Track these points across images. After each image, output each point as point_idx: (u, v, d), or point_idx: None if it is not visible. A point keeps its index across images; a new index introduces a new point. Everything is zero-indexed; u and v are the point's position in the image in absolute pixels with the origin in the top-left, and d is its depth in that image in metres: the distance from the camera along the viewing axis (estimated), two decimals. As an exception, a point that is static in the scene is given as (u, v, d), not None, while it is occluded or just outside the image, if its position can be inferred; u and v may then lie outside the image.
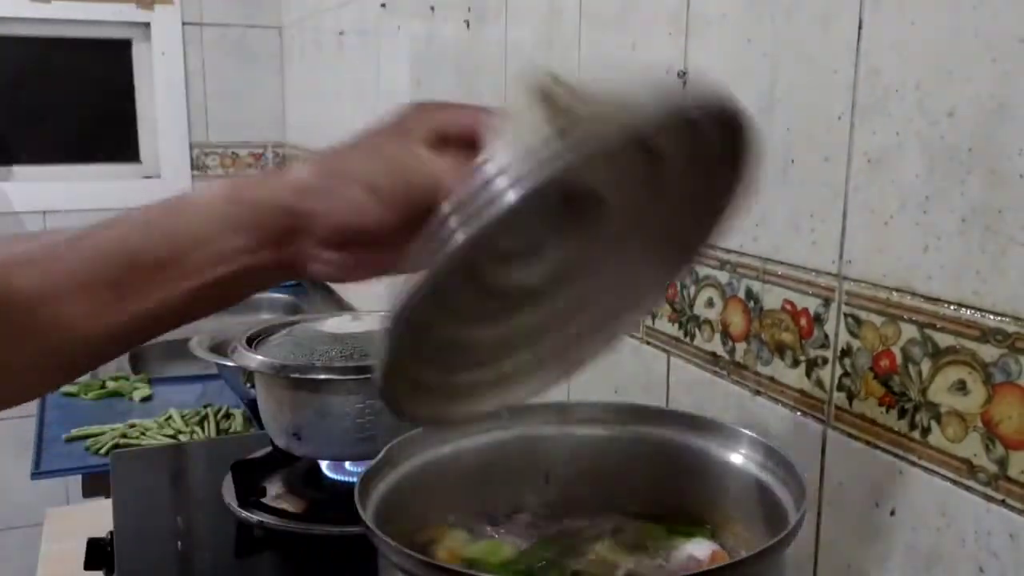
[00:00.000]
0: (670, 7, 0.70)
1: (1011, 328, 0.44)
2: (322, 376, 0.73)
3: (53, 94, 2.22)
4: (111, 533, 0.77)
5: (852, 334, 0.54)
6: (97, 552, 0.75)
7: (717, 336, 0.67)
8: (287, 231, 0.40)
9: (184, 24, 2.21)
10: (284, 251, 0.40)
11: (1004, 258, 0.45)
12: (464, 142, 0.40)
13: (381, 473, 0.49)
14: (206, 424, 1.29)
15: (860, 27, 0.52)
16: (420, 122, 0.41)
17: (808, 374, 0.58)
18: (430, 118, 0.41)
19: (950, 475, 0.48)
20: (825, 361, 0.56)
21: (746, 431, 0.52)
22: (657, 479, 0.55)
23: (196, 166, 2.28)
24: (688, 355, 0.71)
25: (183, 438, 1.25)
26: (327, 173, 0.40)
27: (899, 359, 0.51)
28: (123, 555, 0.73)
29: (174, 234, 0.40)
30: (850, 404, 0.55)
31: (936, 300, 0.49)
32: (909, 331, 0.50)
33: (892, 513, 0.52)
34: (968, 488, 0.47)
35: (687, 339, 0.71)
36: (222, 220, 0.40)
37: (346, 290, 1.79)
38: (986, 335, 0.46)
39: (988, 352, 0.46)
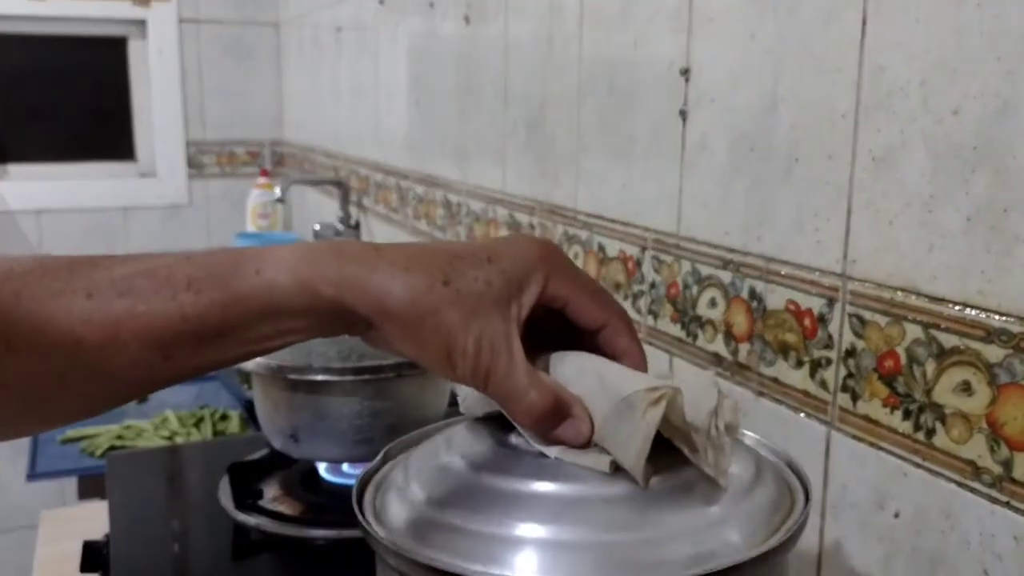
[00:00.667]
0: (672, 3, 0.69)
1: (1016, 328, 0.44)
2: (320, 377, 0.72)
3: (48, 92, 2.21)
4: (107, 536, 0.76)
5: (856, 335, 0.54)
6: (93, 555, 0.75)
7: (720, 337, 0.67)
8: (358, 329, 0.38)
9: (180, 21, 2.20)
10: (347, 332, 0.39)
11: (1009, 258, 0.44)
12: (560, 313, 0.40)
13: (379, 475, 0.48)
14: (202, 426, 1.29)
15: (864, 24, 0.52)
16: (534, 290, 0.38)
17: (812, 375, 0.58)
18: (555, 294, 0.39)
19: (955, 477, 0.48)
20: (829, 362, 0.56)
21: (749, 433, 0.52)
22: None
23: (192, 164, 2.28)
24: (691, 356, 0.71)
25: (179, 440, 1.24)
26: (420, 310, 0.36)
27: (903, 360, 0.50)
28: (119, 558, 0.73)
29: (232, 304, 0.36)
30: (854, 405, 0.54)
31: (941, 300, 0.48)
32: (914, 331, 0.50)
33: (896, 515, 0.52)
34: (973, 490, 0.47)
35: (690, 339, 0.71)
36: (292, 303, 0.36)
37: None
38: (991, 335, 0.45)
39: (993, 353, 0.45)
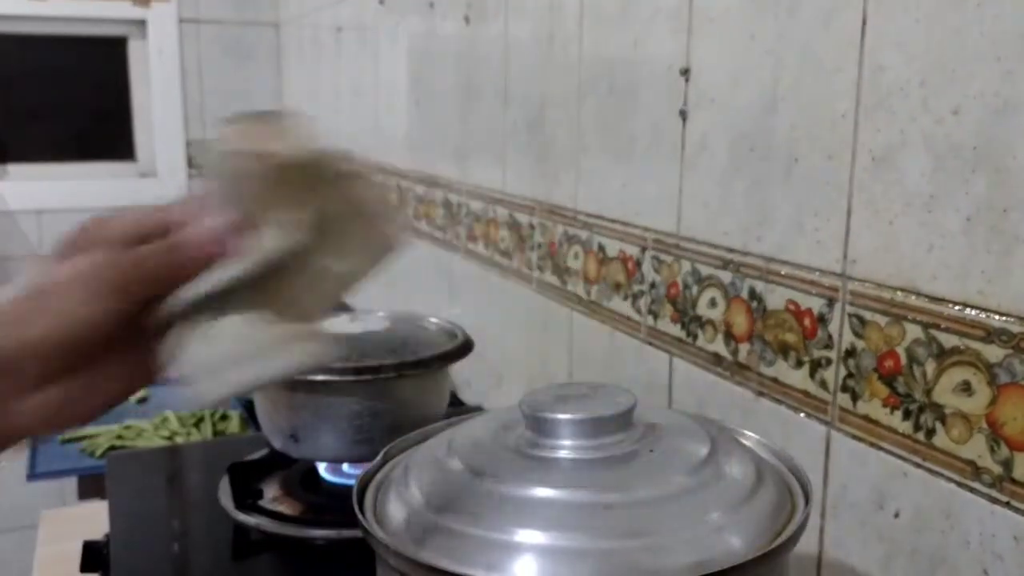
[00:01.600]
0: (672, 3, 0.69)
1: (1016, 328, 0.44)
2: (320, 377, 0.72)
3: (48, 92, 2.21)
4: (107, 536, 0.76)
5: (856, 335, 0.54)
6: (93, 555, 0.75)
7: (720, 337, 0.67)
8: None
9: (180, 21, 2.20)
10: None
11: (1009, 258, 0.44)
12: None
13: (379, 475, 0.48)
14: (202, 426, 1.29)
15: (864, 24, 0.52)
16: (103, 235, 0.38)
17: (812, 375, 0.58)
18: (116, 229, 0.38)
19: (955, 477, 0.48)
20: (829, 362, 0.56)
21: (749, 433, 0.52)
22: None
23: (192, 164, 2.28)
24: (691, 356, 0.71)
25: (179, 440, 1.24)
26: (26, 294, 0.34)
27: (903, 360, 0.50)
28: (119, 558, 0.73)
29: None
30: (854, 405, 0.54)
31: (941, 300, 0.48)
32: (913, 331, 0.50)
33: (896, 515, 0.52)
34: (973, 490, 0.47)
35: (690, 339, 0.71)
36: None
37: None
38: (991, 335, 0.45)
39: (993, 353, 0.45)
